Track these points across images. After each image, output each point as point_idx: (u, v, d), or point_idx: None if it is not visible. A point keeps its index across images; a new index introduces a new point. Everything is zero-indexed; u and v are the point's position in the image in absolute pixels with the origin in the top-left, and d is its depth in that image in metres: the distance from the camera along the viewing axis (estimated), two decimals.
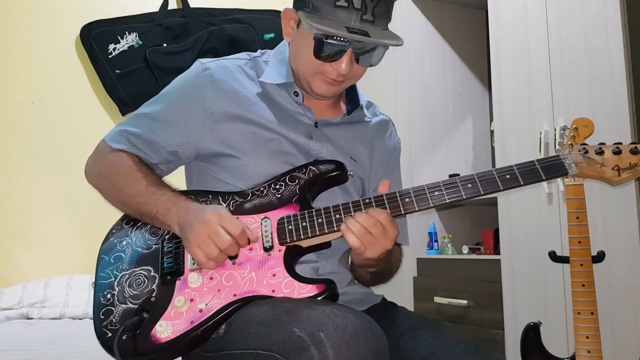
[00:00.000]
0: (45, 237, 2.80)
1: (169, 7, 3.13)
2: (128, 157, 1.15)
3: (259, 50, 1.27)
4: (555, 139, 2.06)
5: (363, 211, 1.00)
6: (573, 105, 2.08)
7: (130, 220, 1.15)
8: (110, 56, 2.96)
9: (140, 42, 3.01)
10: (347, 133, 1.24)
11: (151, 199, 1.08)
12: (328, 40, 1.06)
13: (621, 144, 1.07)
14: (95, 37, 2.96)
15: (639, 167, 1.04)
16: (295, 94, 1.18)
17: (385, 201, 1.04)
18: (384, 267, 1.15)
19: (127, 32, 3.00)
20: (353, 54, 1.08)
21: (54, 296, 2.49)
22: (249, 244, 1.04)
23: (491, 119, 2.90)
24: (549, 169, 1.04)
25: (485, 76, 3.06)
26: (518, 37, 2.34)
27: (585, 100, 2.03)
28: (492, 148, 2.91)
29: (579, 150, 1.07)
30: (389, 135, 1.34)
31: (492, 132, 2.89)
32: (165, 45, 3.04)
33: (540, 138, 2.15)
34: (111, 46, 2.97)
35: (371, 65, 1.14)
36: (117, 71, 2.95)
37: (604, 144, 1.08)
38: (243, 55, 1.25)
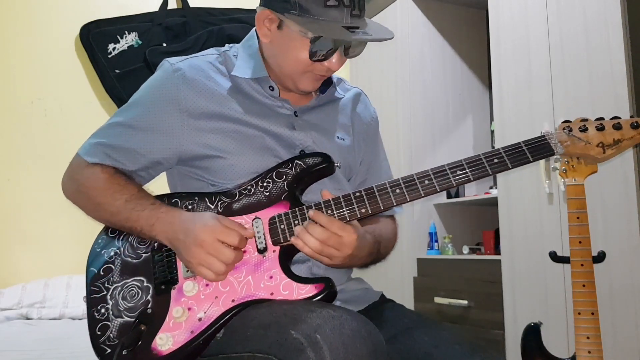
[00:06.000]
0: (45, 237, 2.80)
1: (169, 7, 3.12)
2: (104, 170, 1.10)
3: (227, 45, 1.25)
4: None
5: (316, 220, 0.99)
6: (573, 105, 2.07)
7: (114, 230, 1.11)
8: (109, 56, 2.95)
9: (140, 42, 3.00)
10: (326, 115, 1.24)
11: (132, 215, 1.05)
12: (326, 42, 1.05)
13: (604, 119, 1.07)
14: (95, 37, 2.95)
15: (622, 143, 1.04)
16: (271, 88, 1.16)
17: (376, 193, 1.02)
18: (373, 258, 1.14)
19: (126, 32, 3.00)
20: (342, 50, 1.08)
21: (53, 296, 2.48)
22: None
23: (491, 119, 2.90)
24: (536, 149, 1.03)
25: (485, 76, 3.05)
26: (518, 36, 2.34)
27: (585, 99, 2.03)
28: (493, 148, 2.90)
29: (564, 129, 1.07)
30: (365, 107, 1.34)
31: (492, 132, 2.89)
32: (164, 45, 3.03)
33: None
34: (111, 46, 2.96)
35: (356, 56, 1.13)
36: (117, 71, 2.95)
37: (586, 120, 1.08)
38: (212, 50, 1.23)
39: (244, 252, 1.03)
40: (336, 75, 1.30)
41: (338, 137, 1.22)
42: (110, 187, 1.08)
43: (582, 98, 2.04)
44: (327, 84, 1.24)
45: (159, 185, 1.19)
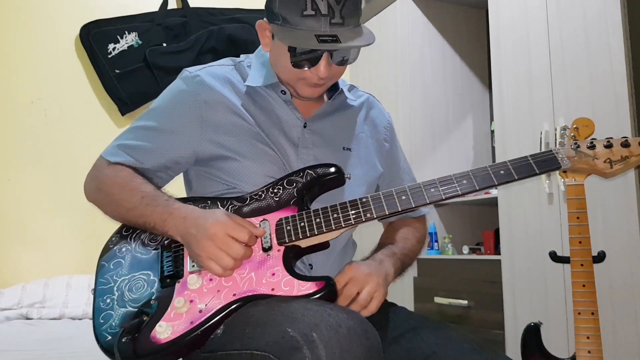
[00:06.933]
0: (45, 237, 2.80)
1: (169, 7, 3.13)
2: (124, 169, 1.15)
3: (242, 55, 1.30)
4: (555, 139, 2.06)
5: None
6: (573, 105, 2.07)
7: (128, 229, 1.16)
8: (109, 56, 2.95)
9: (140, 42, 3.00)
10: (336, 122, 1.26)
11: (147, 210, 1.08)
12: (302, 51, 1.09)
13: (612, 138, 1.08)
14: (95, 36, 2.95)
15: (630, 159, 1.06)
16: (283, 92, 1.21)
17: (382, 199, 1.05)
18: (401, 271, 1.24)
19: (126, 32, 3.00)
20: (329, 57, 1.11)
21: (53, 296, 2.48)
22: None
23: (491, 119, 2.90)
24: (542, 163, 1.06)
25: (485, 76, 3.06)
26: (518, 36, 2.34)
27: (585, 100, 2.03)
28: (493, 148, 2.90)
29: (571, 145, 1.09)
30: (379, 112, 1.37)
31: (492, 132, 2.89)
32: (165, 45, 3.03)
33: (541, 138, 2.15)
34: (111, 46, 2.96)
35: (349, 63, 1.16)
36: (117, 71, 2.95)
37: (595, 139, 1.10)
38: (227, 61, 1.27)
39: None
40: (348, 83, 1.34)
41: (344, 148, 1.25)
42: (129, 185, 1.12)
43: (582, 98, 2.04)
44: (334, 89, 1.26)
45: (173, 188, 1.21)
